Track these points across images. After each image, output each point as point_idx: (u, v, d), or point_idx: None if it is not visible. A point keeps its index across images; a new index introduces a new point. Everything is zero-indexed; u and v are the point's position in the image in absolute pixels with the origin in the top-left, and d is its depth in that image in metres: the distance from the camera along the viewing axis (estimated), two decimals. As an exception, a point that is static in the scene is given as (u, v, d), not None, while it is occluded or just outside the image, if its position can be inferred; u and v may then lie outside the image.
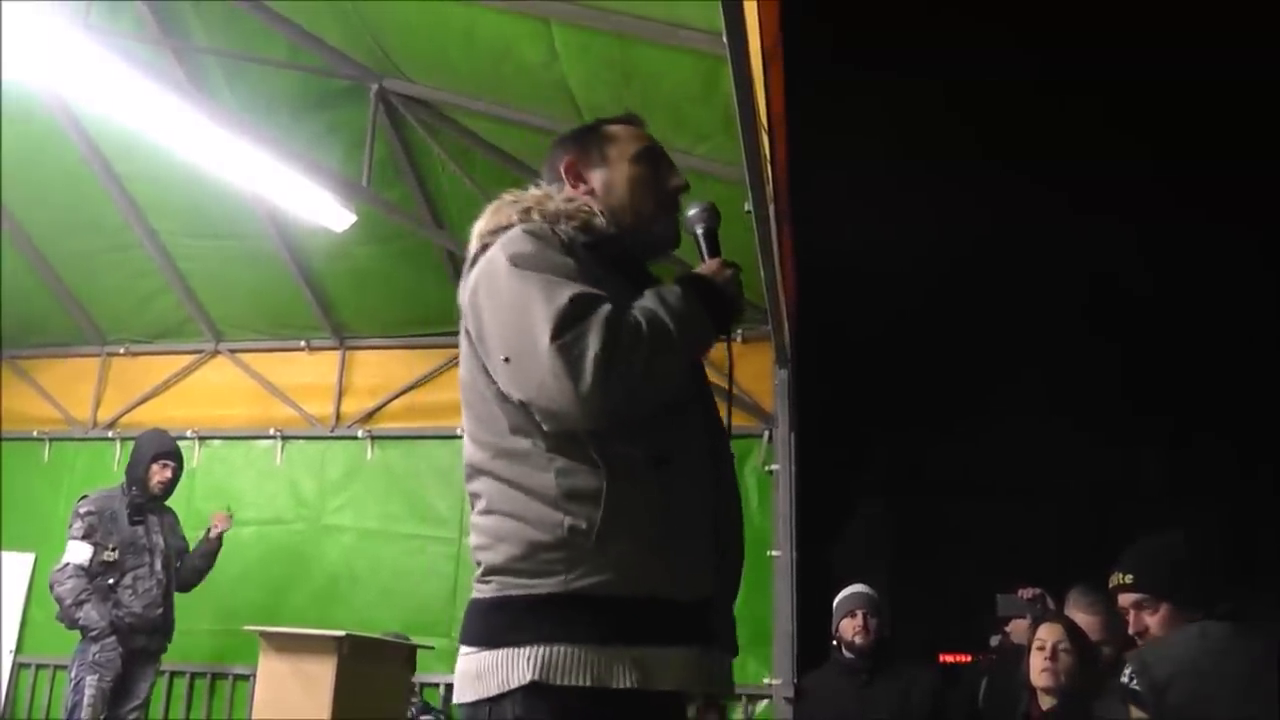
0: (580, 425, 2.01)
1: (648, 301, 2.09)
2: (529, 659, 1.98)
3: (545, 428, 2.05)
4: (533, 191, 2.33)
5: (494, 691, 2.01)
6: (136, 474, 6.64)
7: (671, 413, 2.12)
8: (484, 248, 2.22)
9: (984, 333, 13.86)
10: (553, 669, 1.97)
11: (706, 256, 2.36)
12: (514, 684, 1.98)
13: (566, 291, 2.01)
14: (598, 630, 1.99)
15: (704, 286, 2.19)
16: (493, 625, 2.06)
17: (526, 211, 2.25)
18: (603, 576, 2.01)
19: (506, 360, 2.05)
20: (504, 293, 2.09)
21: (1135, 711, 2.93)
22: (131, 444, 7.76)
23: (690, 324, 2.09)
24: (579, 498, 2.02)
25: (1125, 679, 2.97)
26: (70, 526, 6.48)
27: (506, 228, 2.21)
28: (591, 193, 2.39)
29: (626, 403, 1.99)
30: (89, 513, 6.48)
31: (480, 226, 2.30)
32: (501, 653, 2.02)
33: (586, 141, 2.47)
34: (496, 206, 2.31)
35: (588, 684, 1.96)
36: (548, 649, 1.98)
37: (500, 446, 2.12)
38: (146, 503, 6.62)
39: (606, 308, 2.00)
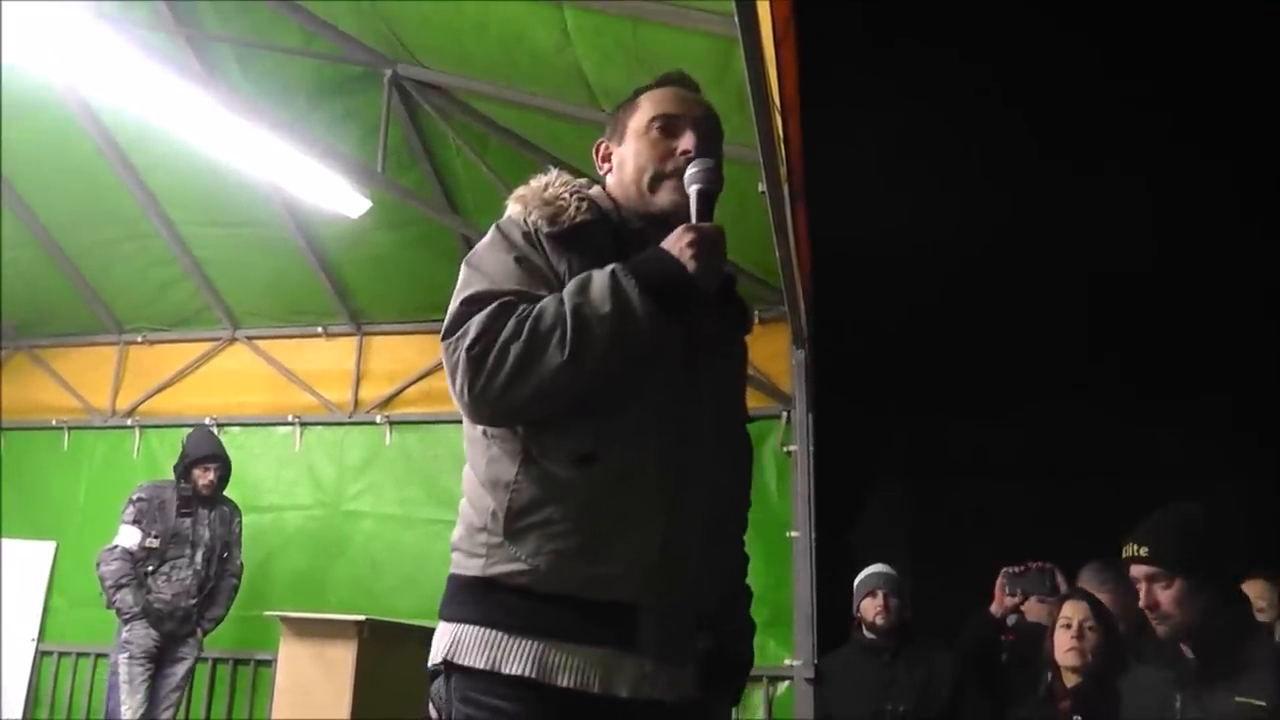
0: (472, 420, 2.11)
1: (567, 289, 2.04)
2: (448, 636, 2.10)
3: None
4: (540, 179, 2.29)
5: (431, 661, 2.14)
6: (181, 472, 6.89)
7: (617, 408, 2.07)
8: None
9: (1004, 312, 13.81)
10: (458, 648, 2.06)
11: (694, 219, 2.20)
12: (439, 658, 2.10)
13: (466, 292, 2.09)
14: (503, 617, 2.04)
15: (648, 264, 2.08)
16: (442, 599, 2.18)
17: (519, 199, 2.25)
18: (515, 566, 2.04)
19: None
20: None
21: None
22: (151, 433, 7.99)
23: (607, 309, 2.00)
24: (499, 485, 2.08)
25: None
26: (123, 511, 6.76)
27: None
28: (612, 171, 2.38)
29: (500, 399, 2.01)
30: (140, 499, 6.78)
31: None
32: (439, 627, 2.15)
33: (614, 118, 2.45)
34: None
35: (483, 666, 2.02)
36: (460, 628, 2.09)
37: (467, 433, 2.21)
38: (194, 497, 6.82)
39: (491, 307, 2.02)
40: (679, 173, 2.26)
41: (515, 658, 2.01)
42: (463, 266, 2.17)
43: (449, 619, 2.12)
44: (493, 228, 2.22)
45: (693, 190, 2.22)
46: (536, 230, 2.17)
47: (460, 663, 2.04)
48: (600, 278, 2.04)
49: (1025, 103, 12.38)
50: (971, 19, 11.22)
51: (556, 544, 2.03)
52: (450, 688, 2.08)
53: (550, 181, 2.26)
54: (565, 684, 2.00)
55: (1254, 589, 4.23)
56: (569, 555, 2.03)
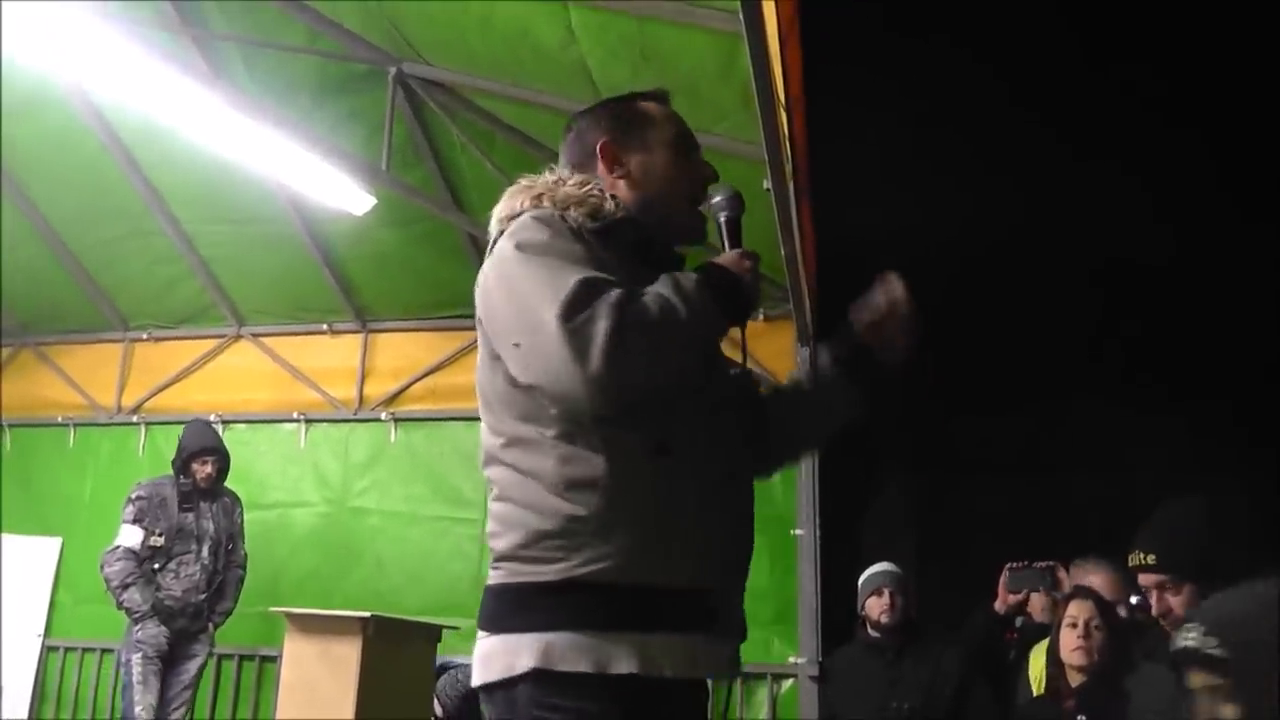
0: (588, 409, 1.99)
1: (661, 287, 2.04)
2: (531, 645, 2.00)
3: (554, 412, 2.04)
4: (545, 177, 2.29)
5: (499, 676, 2.04)
6: (180, 467, 6.83)
7: (679, 401, 2.09)
8: (500, 234, 2.22)
9: (1010, 309, 13.78)
10: (554, 655, 1.98)
11: (728, 245, 2.31)
12: (519, 670, 2.00)
13: (574, 276, 1.98)
14: (597, 617, 2.00)
15: (720, 276, 2.14)
16: (500, 611, 2.09)
17: (538, 198, 2.22)
18: (602, 564, 2.01)
19: (517, 346, 2.03)
20: (513, 279, 2.07)
21: (1207, 678, 2.79)
22: (156, 430, 7.99)
23: (702, 313, 2.05)
24: (580, 486, 2.03)
25: (1195, 643, 2.74)
26: (123, 511, 6.70)
27: (520, 214, 2.20)
28: (627, 177, 2.33)
29: (634, 388, 1.97)
30: (139, 498, 6.71)
31: (497, 212, 2.30)
32: (507, 638, 2.05)
33: (624, 122, 2.41)
34: (512, 192, 2.30)
35: (589, 670, 1.97)
36: (549, 635, 2.00)
37: (510, 434, 2.12)
38: (194, 491, 6.78)
39: (616, 291, 1.96)
40: (704, 195, 2.38)
41: (622, 655, 1.99)
42: (519, 256, 2.08)
43: (525, 629, 2.03)
44: (530, 220, 2.15)
45: (721, 218, 2.34)
46: (580, 225, 2.15)
47: (559, 669, 1.98)
48: (689, 281, 2.08)
49: (1031, 101, 12.37)
50: (977, 17, 11.21)
51: (643, 537, 2.03)
52: (528, 696, 2.01)
53: (564, 178, 2.27)
54: (669, 675, 2.02)
55: None
56: (654, 547, 2.03)
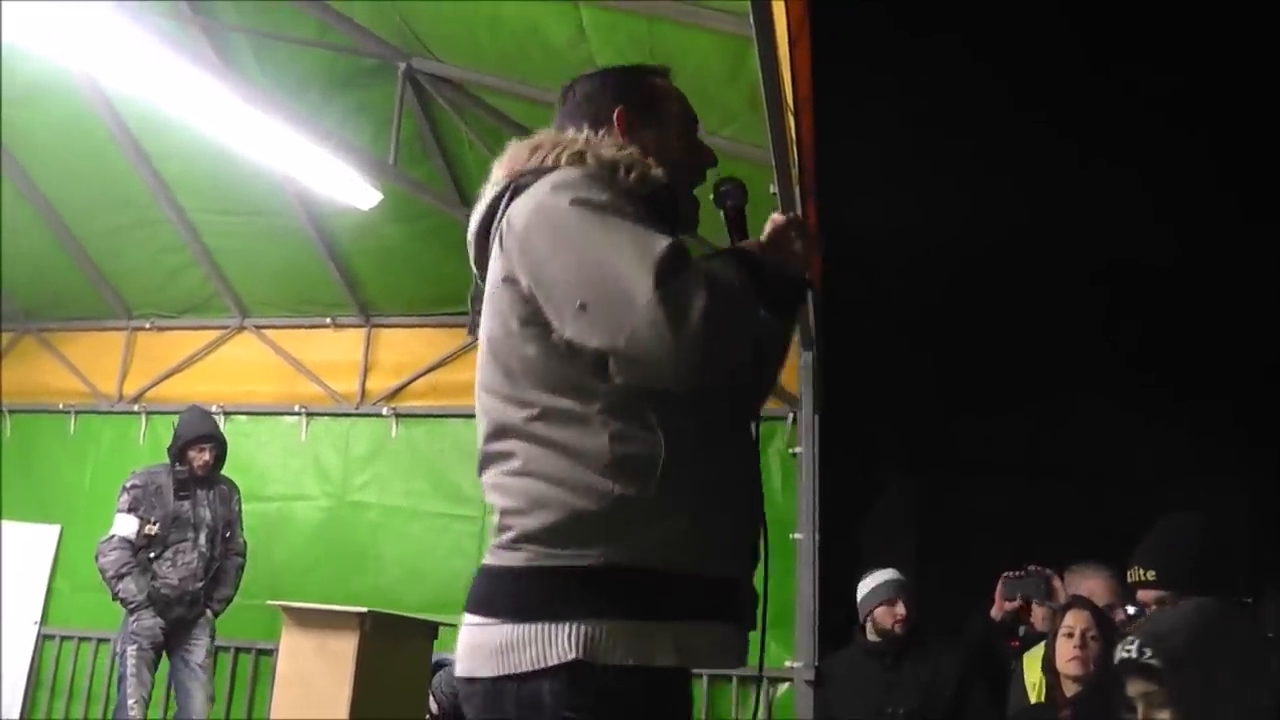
0: (668, 377, 1.88)
1: (723, 266, 1.96)
2: (570, 636, 1.85)
3: (621, 379, 1.90)
4: (573, 134, 2.17)
5: (525, 668, 1.86)
6: (175, 454, 6.73)
7: (717, 387, 2.00)
8: (516, 189, 2.09)
9: (1012, 311, 13.79)
10: (597, 647, 1.84)
11: (734, 236, 2.25)
12: (552, 661, 1.85)
13: (661, 240, 1.87)
14: (640, 606, 1.88)
15: (756, 262, 2.05)
16: (524, 597, 1.91)
17: (578, 155, 2.10)
18: (647, 550, 1.89)
19: (583, 307, 1.87)
20: (577, 236, 1.93)
21: (1142, 685, 2.83)
22: (157, 419, 7.97)
23: (755, 295, 1.99)
24: (632, 466, 1.89)
25: (1133, 654, 2.79)
26: (118, 500, 6.59)
27: (549, 169, 2.08)
28: (642, 149, 2.18)
29: (720, 359, 1.88)
30: (134, 486, 6.58)
31: (511, 166, 2.18)
32: (535, 627, 1.87)
33: (640, 93, 2.34)
34: (533, 145, 2.18)
35: (633, 662, 1.85)
36: (591, 625, 1.85)
37: (543, 405, 1.96)
38: (190, 479, 6.68)
39: (704, 262, 1.90)
40: (703, 179, 2.35)
41: (665, 646, 1.88)
42: (580, 212, 1.94)
43: (564, 618, 1.87)
44: (582, 177, 2.02)
45: (728, 205, 2.31)
46: (631, 191, 2.04)
47: (600, 662, 1.84)
48: (745, 262, 2.03)
49: (1033, 101, 12.38)
50: (980, 17, 11.21)
51: (690, 523, 1.93)
52: (556, 692, 1.85)
53: (592, 139, 2.15)
54: (705, 665, 1.97)
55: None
56: (699, 533, 1.94)
